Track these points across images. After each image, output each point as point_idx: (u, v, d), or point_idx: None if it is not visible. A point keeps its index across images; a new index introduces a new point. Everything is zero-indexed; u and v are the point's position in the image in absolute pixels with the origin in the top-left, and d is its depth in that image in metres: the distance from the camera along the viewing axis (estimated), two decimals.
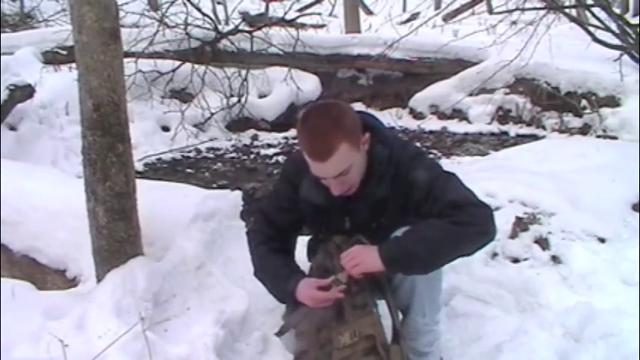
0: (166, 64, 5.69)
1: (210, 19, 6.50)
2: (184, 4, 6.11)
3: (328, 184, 1.77)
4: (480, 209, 1.76)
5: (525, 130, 5.50)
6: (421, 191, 1.78)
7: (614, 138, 4.75)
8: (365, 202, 1.85)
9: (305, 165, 1.85)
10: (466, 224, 1.69)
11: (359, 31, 8.00)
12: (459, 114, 5.94)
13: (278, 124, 5.93)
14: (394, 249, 1.72)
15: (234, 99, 5.71)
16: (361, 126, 1.75)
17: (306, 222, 2.02)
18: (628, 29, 5.05)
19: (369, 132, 1.78)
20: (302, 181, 1.90)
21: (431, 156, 4.75)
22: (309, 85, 6.09)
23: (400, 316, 1.87)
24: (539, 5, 5.74)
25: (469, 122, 5.83)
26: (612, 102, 5.10)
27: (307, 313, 1.82)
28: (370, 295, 1.81)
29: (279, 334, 1.94)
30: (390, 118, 5.96)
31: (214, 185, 4.25)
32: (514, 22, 6.63)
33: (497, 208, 2.88)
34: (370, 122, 1.83)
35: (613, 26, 5.08)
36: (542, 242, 2.64)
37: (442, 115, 6.04)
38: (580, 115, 5.23)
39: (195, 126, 5.55)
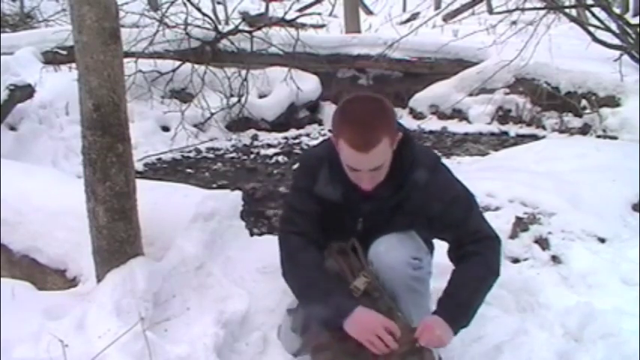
0: (166, 64, 5.69)
1: (210, 19, 6.50)
2: (184, 4, 6.10)
3: (358, 178, 1.76)
4: (497, 244, 1.89)
5: (525, 130, 5.49)
6: (439, 207, 1.82)
7: (614, 138, 4.75)
8: (380, 205, 1.85)
9: (321, 162, 1.85)
10: (491, 264, 1.84)
11: (359, 31, 8.00)
12: (459, 114, 5.94)
13: (278, 124, 5.93)
14: (461, 317, 1.78)
15: (234, 99, 5.71)
16: (396, 125, 1.77)
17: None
18: (628, 29, 5.05)
19: (401, 132, 1.79)
20: (317, 178, 1.88)
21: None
22: (309, 85, 6.09)
23: None
24: (539, 5, 5.74)
25: (469, 122, 5.82)
26: (612, 102, 5.10)
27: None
28: (390, 299, 1.81)
29: (298, 354, 1.93)
30: None
31: (214, 185, 4.24)
32: (514, 22, 6.63)
33: (497, 208, 2.89)
34: (402, 127, 1.84)
35: (613, 26, 5.09)
36: (542, 242, 2.64)
37: (442, 115, 6.03)
38: (580, 115, 5.23)
39: (195, 126, 5.54)
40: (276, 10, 8.11)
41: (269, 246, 2.50)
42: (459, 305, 1.78)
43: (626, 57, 5.16)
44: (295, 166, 2.18)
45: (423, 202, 1.82)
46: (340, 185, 1.83)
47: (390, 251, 1.82)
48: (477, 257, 1.81)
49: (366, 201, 1.84)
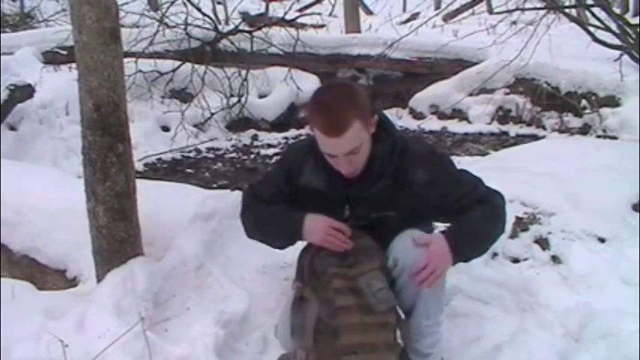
0: (166, 64, 5.69)
1: (210, 19, 6.50)
2: (184, 4, 6.10)
3: (337, 164, 1.78)
4: (502, 201, 1.96)
5: (525, 130, 5.49)
6: (438, 191, 1.84)
7: (614, 138, 4.74)
8: (365, 191, 1.85)
9: (307, 153, 1.87)
10: (499, 211, 1.92)
11: (359, 31, 7.99)
12: (459, 114, 5.94)
13: (278, 124, 5.93)
14: (463, 241, 1.81)
15: (234, 99, 5.71)
16: (371, 108, 1.80)
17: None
18: (628, 29, 5.04)
19: (377, 116, 1.82)
20: (302, 169, 1.91)
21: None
22: (309, 85, 6.08)
23: (402, 316, 1.87)
24: (539, 5, 5.73)
25: (469, 122, 5.82)
26: (612, 102, 5.09)
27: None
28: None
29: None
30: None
31: (214, 185, 4.25)
32: (514, 22, 6.62)
33: None
34: (378, 111, 1.87)
35: (613, 26, 5.08)
36: (542, 242, 2.63)
37: (442, 115, 6.03)
38: (580, 115, 5.23)
39: (195, 126, 5.55)
40: (276, 10, 8.12)
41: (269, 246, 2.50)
42: (465, 234, 1.82)
43: (626, 57, 5.15)
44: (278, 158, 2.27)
45: (420, 189, 1.83)
46: (325, 174, 1.86)
47: (416, 248, 1.81)
48: (483, 207, 1.86)
49: (350, 187, 1.86)
